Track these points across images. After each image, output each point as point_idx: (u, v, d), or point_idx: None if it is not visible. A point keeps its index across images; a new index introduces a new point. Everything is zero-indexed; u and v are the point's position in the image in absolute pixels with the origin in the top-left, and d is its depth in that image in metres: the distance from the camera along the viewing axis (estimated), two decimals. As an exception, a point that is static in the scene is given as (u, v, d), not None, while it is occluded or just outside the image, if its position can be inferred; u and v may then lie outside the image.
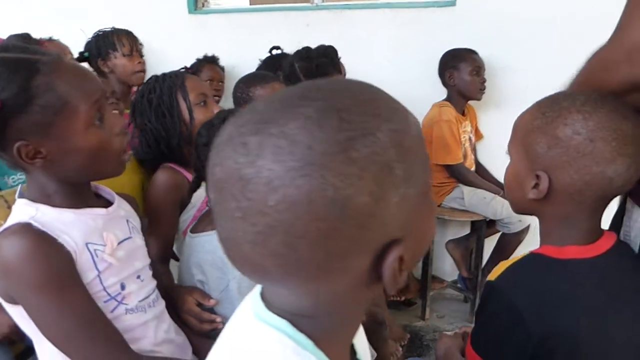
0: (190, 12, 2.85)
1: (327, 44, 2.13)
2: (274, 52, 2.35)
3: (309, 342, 0.50)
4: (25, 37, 2.11)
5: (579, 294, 0.82)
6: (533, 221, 1.98)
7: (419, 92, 2.50)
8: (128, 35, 2.34)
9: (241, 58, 2.57)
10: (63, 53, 2.35)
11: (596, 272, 0.85)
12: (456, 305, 2.69)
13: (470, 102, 2.49)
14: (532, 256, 0.87)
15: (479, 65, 2.36)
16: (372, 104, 0.45)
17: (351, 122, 0.42)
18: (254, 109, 0.46)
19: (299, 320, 0.50)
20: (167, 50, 2.76)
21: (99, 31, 2.34)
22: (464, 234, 2.61)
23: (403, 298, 2.58)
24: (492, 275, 0.87)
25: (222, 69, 2.70)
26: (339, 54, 2.10)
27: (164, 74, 1.41)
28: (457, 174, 2.37)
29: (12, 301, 0.85)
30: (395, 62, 2.56)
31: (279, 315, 0.51)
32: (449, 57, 2.40)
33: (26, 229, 0.83)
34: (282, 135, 0.42)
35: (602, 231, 0.88)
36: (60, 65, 0.86)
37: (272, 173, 0.41)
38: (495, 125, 2.51)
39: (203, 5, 2.92)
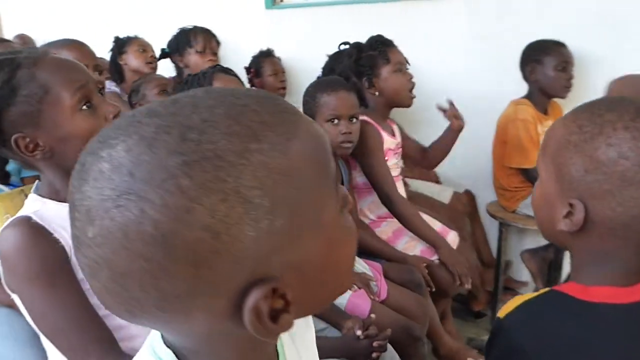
0: (267, 7, 2.87)
1: (399, 37, 2.03)
2: (342, 47, 2.28)
3: None
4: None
5: (604, 346, 0.68)
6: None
7: (498, 88, 2.32)
8: (204, 34, 2.47)
9: (317, 54, 2.54)
10: (145, 49, 2.52)
11: (631, 322, 0.70)
12: (531, 319, 2.47)
13: (556, 99, 2.25)
14: (552, 293, 0.75)
15: (566, 60, 2.12)
16: (239, 118, 0.38)
17: (196, 142, 0.36)
18: (112, 124, 0.41)
19: (187, 353, 0.45)
20: (244, 47, 2.79)
21: (180, 29, 2.51)
22: (543, 244, 2.38)
23: (478, 309, 2.41)
24: (503, 312, 0.75)
25: (279, 59, 2.73)
26: (401, 43, 1.99)
27: (192, 77, 1.41)
28: (533, 179, 2.14)
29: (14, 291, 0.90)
30: (472, 55, 2.38)
31: (169, 347, 0.46)
32: (533, 49, 2.17)
33: (24, 222, 0.88)
34: (109, 158, 0.37)
35: None
36: (42, 59, 0.91)
37: (90, 202, 0.37)
38: (585, 125, 2.24)
39: (281, 1, 2.93)
